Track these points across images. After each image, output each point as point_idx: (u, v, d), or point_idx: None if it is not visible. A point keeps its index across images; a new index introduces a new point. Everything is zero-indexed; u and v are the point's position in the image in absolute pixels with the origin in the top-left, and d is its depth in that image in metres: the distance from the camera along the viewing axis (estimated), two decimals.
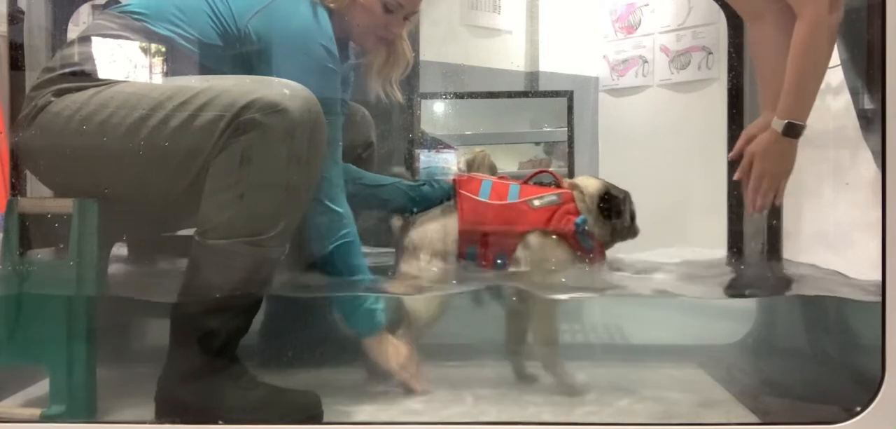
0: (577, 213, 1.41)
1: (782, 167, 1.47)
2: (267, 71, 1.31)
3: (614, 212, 1.42)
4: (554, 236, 1.40)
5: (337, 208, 1.37)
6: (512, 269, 1.41)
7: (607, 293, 1.51)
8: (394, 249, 1.52)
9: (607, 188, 1.44)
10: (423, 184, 1.57)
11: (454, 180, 1.48)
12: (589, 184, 1.45)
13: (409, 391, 1.41)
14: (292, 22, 1.34)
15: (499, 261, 1.42)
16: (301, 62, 1.33)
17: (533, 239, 1.40)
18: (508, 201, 1.42)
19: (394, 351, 1.43)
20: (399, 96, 1.56)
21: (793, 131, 1.42)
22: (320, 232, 1.36)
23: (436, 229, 1.46)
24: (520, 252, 1.41)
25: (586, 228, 1.40)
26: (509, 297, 1.48)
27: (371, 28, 1.46)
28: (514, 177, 1.51)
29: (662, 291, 1.51)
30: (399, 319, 1.47)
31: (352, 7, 1.41)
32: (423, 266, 1.44)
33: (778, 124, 1.42)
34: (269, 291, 1.31)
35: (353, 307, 1.41)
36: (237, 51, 1.33)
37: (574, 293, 1.48)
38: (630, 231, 1.46)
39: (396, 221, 1.52)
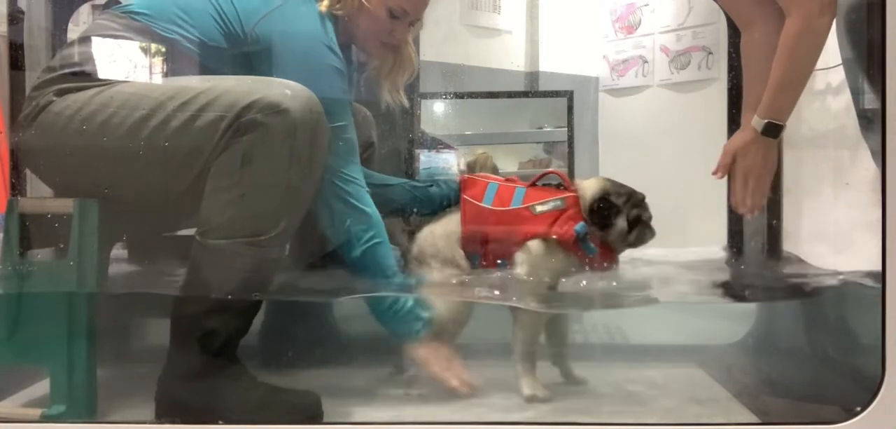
0: (580, 218, 1.37)
1: (764, 166, 1.47)
2: (271, 73, 1.31)
3: (604, 220, 1.37)
4: (555, 242, 1.37)
5: (366, 209, 1.36)
6: (513, 272, 1.39)
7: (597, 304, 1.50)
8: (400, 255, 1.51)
9: (603, 195, 1.37)
10: (431, 184, 1.56)
11: (461, 181, 1.46)
12: (588, 187, 1.40)
13: (454, 392, 1.39)
14: (299, 27, 1.34)
15: (500, 263, 1.40)
16: (307, 68, 1.33)
17: (534, 245, 1.38)
18: (511, 207, 1.39)
19: (435, 355, 1.41)
20: (405, 101, 1.56)
21: (772, 131, 1.42)
22: (350, 234, 1.35)
23: (443, 236, 1.45)
24: (520, 256, 1.39)
25: (588, 235, 1.36)
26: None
27: (376, 33, 1.46)
28: (522, 177, 1.49)
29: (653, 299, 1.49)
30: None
31: (358, 13, 1.41)
32: (437, 272, 1.43)
33: (758, 123, 1.42)
34: (275, 293, 1.31)
35: (392, 312, 1.39)
36: (241, 52, 1.33)
37: (559, 309, 1.45)
38: (632, 238, 1.39)
39: (402, 228, 1.51)
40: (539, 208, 1.39)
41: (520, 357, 1.40)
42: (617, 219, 1.37)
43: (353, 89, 1.52)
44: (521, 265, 1.38)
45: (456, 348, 1.44)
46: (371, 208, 1.37)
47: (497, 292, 1.40)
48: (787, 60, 1.37)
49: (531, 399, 1.37)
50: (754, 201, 1.49)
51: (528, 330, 1.41)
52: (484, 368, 1.55)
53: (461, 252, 1.42)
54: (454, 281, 1.42)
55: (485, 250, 1.41)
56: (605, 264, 1.39)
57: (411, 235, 1.49)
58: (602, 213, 1.37)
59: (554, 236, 1.37)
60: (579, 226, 1.36)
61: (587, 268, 1.38)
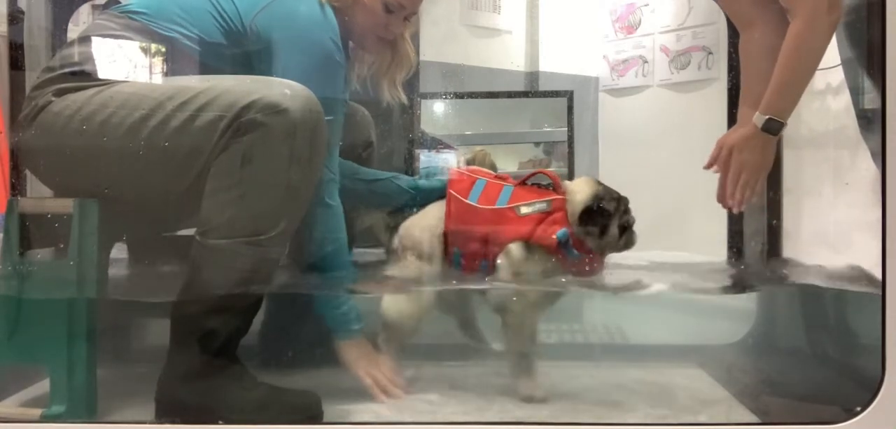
0: (565, 222, 1.34)
1: (760, 162, 1.47)
2: (272, 68, 1.31)
3: (597, 226, 1.34)
4: (537, 246, 1.34)
5: (332, 202, 1.37)
6: (492, 276, 1.37)
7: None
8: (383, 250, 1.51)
9: (594, 201, 1.35)
10: (420, 179, 1.56)
11: (449, 177, 1.45)
12: (578, 190, 1.37)
13: (378, 398, 1.38)
14: (299, 16, 1.34)
15: (483, 265, 1.38)
16: (308, 56, 1.33)
17: (514, 249, 1.35)
18: (496, 206, 1.37)
19: (364, 357, 1.40)
20: (404, 98, 1.56)
21: (772, 128, 1.41)
22: (321, 231, 1.36)
23: (423, 230, 1.43)
24: (500, 259, 1.36)
25: (570, 241, 1.33)
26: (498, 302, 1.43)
27: (371, 28, 1.46)
28: (515, 177, 1.47)
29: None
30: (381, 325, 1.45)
31: (353, 6, 1.42)
32: (409, 268, 1.42)
33: (759, 119, 1.42)
34: (268, 290, 1.31)
35: (331, 307, 1.40)
36: (242, 49, 1.33)
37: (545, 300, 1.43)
38: (622, 243, 1.37)
39: (383, 222, 1.51)
40: (524, 210, 1.36)
41: (513, 358, 1.40)
42: (610, 225, 1.35)
43: (348, 86, 1.53)
44: (502, 270, 1.36)
45: (397, 351, 1.44)
46: (336, 202, 1.37)
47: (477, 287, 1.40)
48: (791, 59, 1.37)
49: (528, 400, 1.36)
50: (744, 197, 1.49)
51: (517, 329, 1.40)
52: (483, 368, 1.55)
53: (440, 248, 1.40)
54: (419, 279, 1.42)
55: (468, 250, 1.39)
56: (589, 268, 1.37)
57: (393, 230, 1.48)
58: (596, 219, 1.34)
59: (537, 240, 1.34)
60: (560, 232, 1.33)
61: (572, 272, 1.36)
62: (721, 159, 1.50)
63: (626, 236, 1.37)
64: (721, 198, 1.51)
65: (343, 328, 1.40)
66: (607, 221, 1.35)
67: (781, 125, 1.42)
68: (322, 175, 1.33)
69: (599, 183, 1.39)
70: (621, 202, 1.37)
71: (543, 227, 1.35)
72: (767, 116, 1.41)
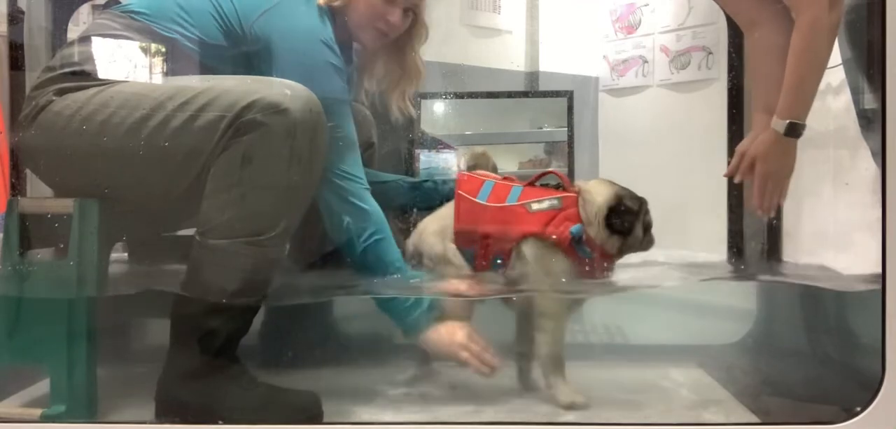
0: (577, 220, 1.33)
1: (785, 167, 1.47)
2: (270, 71, 1.32)
3: (624, 227, 1.32)
4: (550, 243, 1.33)
5: (365, 206, 1.37)
6: (509, 274, 1.36)
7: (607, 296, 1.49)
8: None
9: (618, 201, 1.33)
10: (427, 181, 1.57)
11: (457, 177, 1.45)
12: (598, 192, 1.35)
13: (481, 372, 1.36)
14: (297, 23, 1.35)
15: (496, 263, 1.38)
16: (306, 66, 1.33)
17: (527, 249, 1.34)
18: (506, 203, 1.36)
19: (451, 336, 1.39)
20: (412, 112, 1.57)
21: (794, 131, 1.42)
22: (350, 233, 1.35)
23: (433, 231, 1.43)
24: (515, 259, 1.35)
25: (583, 237, 1.32)
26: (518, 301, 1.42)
27: (371, 20, 1.46)
28: (521, 177, 1.46)
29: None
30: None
31: (353, 1, 1.42)
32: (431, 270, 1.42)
33: (779, 125, 1.41)
34: (274, 292, 1.30)
35: (403, 311, 1.38)
36: (241, 51, 1.34)
37: (574, 296, 1.40)
38: (643, 243, 1.36)
39: (397, 226, 1.50)
40: (534, 206, 1.35)
41: (548, 364, 1.35)
42: (636, 225, 1.34)
43: (352, 88, 1.53)
44: (517, 267, 1.35)
45: (472, 325, 1.41)
46: (370, 205, 1.37)
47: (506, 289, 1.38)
48: (801, 60, 1.37)
49: (570, 407, 1.32)
50: (773, 203, 1.50)
51: (551, 333, 1.35)
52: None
53: (453, 248, 1.39)
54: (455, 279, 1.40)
55: (477, 247, 1.38)
56: (601, 268, 1.35)
57: (405, 232, 1.48)
58: (621, 219, 1.33)
59: (549, 235, 1.33)
60: (575, 227, 1.32)
61: (585, 269, 1.35)
62: (743, 169, 1.50)
63: (647, 237, 1.36)
64: (754, 208, 1.52)
65: (416, 320, 1.39)
66: (633, 220, 1.33)
67: (802, 127, 1.42)
68: (355, 183, 1.35)
69: (617, 184, 1.37)
70: (642, 202, 1.36)
71: (555, 223, 1.33)
72: (788, 121, 1.41)
